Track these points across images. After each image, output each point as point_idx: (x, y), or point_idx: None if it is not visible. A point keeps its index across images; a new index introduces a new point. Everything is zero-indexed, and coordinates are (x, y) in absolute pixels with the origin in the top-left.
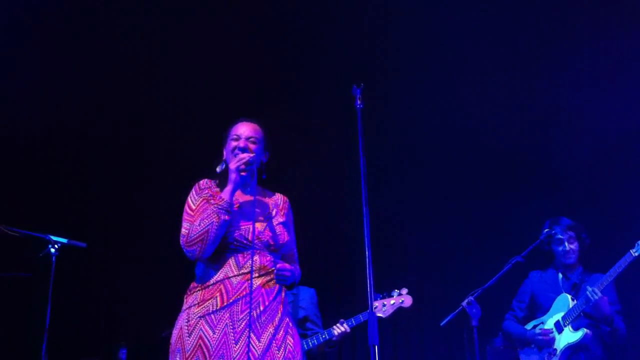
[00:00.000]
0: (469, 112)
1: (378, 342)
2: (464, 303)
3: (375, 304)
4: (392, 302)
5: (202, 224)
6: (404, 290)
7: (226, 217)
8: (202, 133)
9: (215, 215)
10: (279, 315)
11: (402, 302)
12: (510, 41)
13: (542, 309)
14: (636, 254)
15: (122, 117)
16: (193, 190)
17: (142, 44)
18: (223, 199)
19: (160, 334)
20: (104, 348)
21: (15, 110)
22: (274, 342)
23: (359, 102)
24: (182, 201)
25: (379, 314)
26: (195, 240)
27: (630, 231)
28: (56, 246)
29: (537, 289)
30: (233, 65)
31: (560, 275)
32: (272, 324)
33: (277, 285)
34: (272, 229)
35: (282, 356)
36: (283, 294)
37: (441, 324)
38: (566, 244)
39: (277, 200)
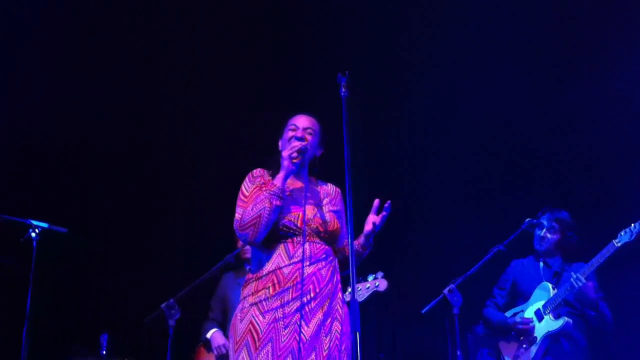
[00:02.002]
0: (458, 101)
1: (360, 330)
2: (446, 291)
3: (349, 288)
4: (367, 286)
5: (255, 209)
6: (380, 274)
7: (278, 202)
8: (190, 121)
9: (268, 200)
10: (329, 301)
11: (377, 285)
12: (507, 29)
13: (523, 297)
14: (618, 245)
15: (107, 101)
16: (247, 178)
17: (133, 36)
18: (275, 185)
19: (143, 321)
20: (85, 334)
21: None
22: (322, 328)
23: (343, 90)
24: (167, 188)
25: None
26: (248, 225)
27: (613, 221)
28: (37, 230)
29: (518, 277)
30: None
31: (542, 264)
32: (322, 310)
33: (329, 273)
34: (322, 216)
35: (328, 342)
36: (335, 280)
37: (422, 311)
38: (545, 230)
39: (329, 190)
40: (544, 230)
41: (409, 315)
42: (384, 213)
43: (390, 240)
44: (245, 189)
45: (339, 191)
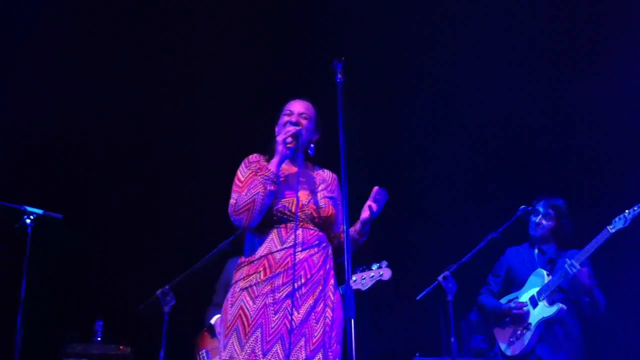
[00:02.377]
0: (455, 92)
1: (354, 316)
2: (440, 278)
3: (355, 277)
4: (371, 274)
5: (249, 194)
6: (384, 263)
7: (272, 187)
8: (183, 108)
9: (262, 185)
10: (320, 287)
11: (382, 275)
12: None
13: (517, 284)
14: (613, 231)
15: (101, 90)
16: (242, 163)
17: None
18: (269, 170)
19: (137, 308)
20: (80, 320)
21: None
22: (312, 314)
23: (339, 76)
24: (163, 175)
25: (357, 287)
26: (242, 210)
27: (609, 208)
28: (32, 217)
29: (513, 264)
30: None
31: (536, 251)
32: (313, 296)
33: (321, 259)
34: (317, 202)
35: (320, 329)
36: (328, 266)
37: (417, 298)
38: (540, 216)
39: (326, 176)
40: (540, 216)
41: (404, 302)
42: (379, 198)
43: (385, 228)
44: (241, 174)
45: (336, 177)
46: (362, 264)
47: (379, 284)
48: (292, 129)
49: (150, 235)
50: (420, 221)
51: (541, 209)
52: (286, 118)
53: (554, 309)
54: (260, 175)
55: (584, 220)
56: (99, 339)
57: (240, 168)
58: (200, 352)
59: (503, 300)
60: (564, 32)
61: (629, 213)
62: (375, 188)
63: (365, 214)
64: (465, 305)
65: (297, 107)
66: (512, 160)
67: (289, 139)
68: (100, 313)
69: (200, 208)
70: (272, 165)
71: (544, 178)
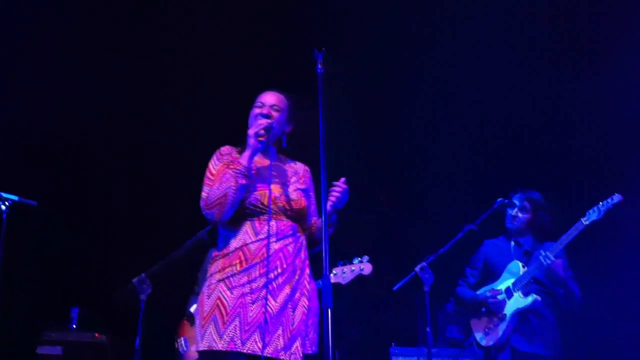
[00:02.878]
0: (434, 74)
1: (331, 306)
2: (417, 268)
3: (335, 270)
4: (352, 269)
5: (221, 188)
6: (365, 258)
7: (244, 181)
8: (164, 98)
9: (233, 179)
10: (297, 277)
11: (362, 269)
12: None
13: (494, 276)
14: (587, 223)
15: (81, 78)
16: (214, 156)
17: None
18: (241, 164)
19: (113, 296)
20: (56, 308)
21: None
22: (289, 303)
23: (319, 66)
24: (141, 163)
25: (337, 281)
26: (214, 204)
27: (585, 201)
28: (7, 203)
29: (489, 256)
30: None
31: (513, 243)
32: (289, 285)
33: (296, 249)
34: (289, 194)
35: (298, 317)
36: (302, 257)
37: (394, 289)
38: (516, 209)
39: (298, 169)
40: (516, 209)
41: (381, 292)
42: (341, 189)
43: (363, 218)
44: (213, 166)
45: (308, 169)
46: (343, 258)
47: (359, 277)
48: (263, 122)
49: (127, 223)
50: (398, 212)
51: (517, 202)
52: (257, 110)
53: (528, 300)
54: (232, 169)
55: (566, 213)
56: (75, 326)
57: (212, 160)
58: (179, 340)
59: (480, 292)
60: (560, 30)
61: (603, 205)
62: (342, 179)
63: (329, 205)
64: (441, 296)
65: (269, 98)
66: (491, 153)
67: (261, 132)
68: (76, 301)
69: (177, 197)
70: (244, 159)
71: (524, 170)
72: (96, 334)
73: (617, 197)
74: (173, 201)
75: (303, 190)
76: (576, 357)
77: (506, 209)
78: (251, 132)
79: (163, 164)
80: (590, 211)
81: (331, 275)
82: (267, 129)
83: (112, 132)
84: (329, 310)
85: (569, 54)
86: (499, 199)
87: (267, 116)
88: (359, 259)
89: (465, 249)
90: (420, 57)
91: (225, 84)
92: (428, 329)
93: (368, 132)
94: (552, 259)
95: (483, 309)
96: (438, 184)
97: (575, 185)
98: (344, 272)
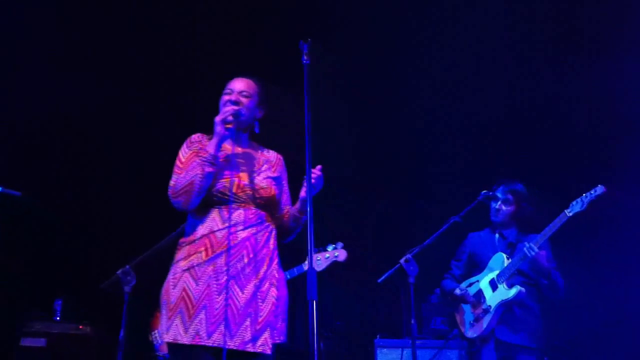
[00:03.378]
0: (420, 66)
1: (317, 297)
2: (402, 260)
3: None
4: (326, 255)
5: (187, 176)
6: (339, 245)
7: (210, 169)
8: (145, 85)
9: (200, 167)
10: (265, 267)
11: (337, 256)
12: None
13: (479, 268)
14: (570, 214)
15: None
16: (185, 144)
17: None
18: (207, 151)
19: (97, 287)
20: (40, 299)
21: None
22: (258, 293)
23: (305, 57)
24: (126, 153)
25: None
26: (181, 192)
27: (570, 192)
28: None
29: (474, 248)
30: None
31: (497, 236)
32: (257, 275)
33: (264, 237)
34: (258, 182)
35: (266, 308)
36: (271, 246)
37: (379, 281)
38: (500, 202)
39: (270, 157)
40: (499, 202)
41: (366, 284)
42: (316, 176)
43: (347, 210)
44: (182, 154)
45: (281, 158)
46: (318, 245)
47: (336, 265)
48: (229, 108)
49: (112, 214)
50: (382, 204)
51: (500, 195)
52: (226, 97)
53: (512, 292)
54: (198, 157)
55: (551, 203)
56: (59, 318)
57: (182, 148)
58: (153, 333)
59: (464, 284)
60: (548, 22)
61: (586, 197)
62: (318, 167)
63: (303, 192)
64: (426, 288)
65: (238, 85)
66: (476, 144)
67: (229, 118)
68: (60, 292)
69: (162, 188)
70: (210, 146)
71: (509, 162)
72: (80, 326)
73: (600, 189)
74: (158, 193)
75: (274, 179)
76: (558, 347)
77: (490, 201)
78: (218, 119)
79: (146, 155)
80: (574, 203)
81: (305, 263)
82: (235, 115)
83: (96, 124)
84: (315, 302)
85: (556, 46)
86: (483, 192)
87: (235, 103)
88: (334, 245)
89: (450, 240)
90: (406, 48)
91: (213, 78)
92: (413, 321)
93: (354, 123)
94: (536, 250)
95: (465, 302)
96: (424, 176)
97: (560, 176)
98: (319, 259)
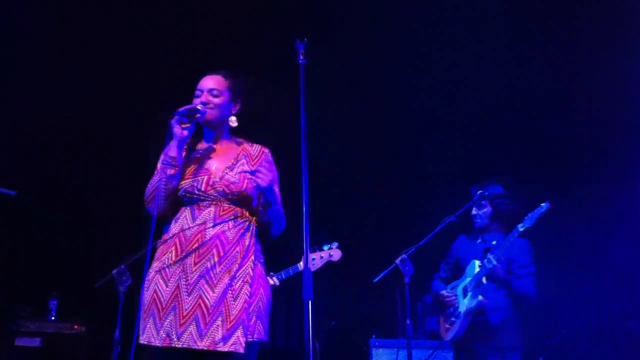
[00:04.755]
0: (410, 66)
1: (312, 297)
2: (398, 260)
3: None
4: (321, 255)
5: (152, 181)
6: (334, 244)
7: (172, 171)
8: (140, 87)
9: (162, 170)
10: (236, 264)
11: (332, 255)
12: None
13: (462, 272)
14: (522, 229)
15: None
16: (163, 150)
17: None
18: (166, 154)
19: (92, 287)
20: (34, 298)
21: None
22: (229, 292)
23: (301, 57)
24: (121, 153)
25: None
26: (149, 198)
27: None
28: None
29: (459, 252)
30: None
31: (479, 240)
32: (228, 273)
33: (237, 234)
34: (229, 178)
35: (238, 306)
36: (247, 242)
37: (374, 281)
38: (474, 209)
39: (252, 151)
40: (474, 209)
41: (361, 284)
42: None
43: (344, 209)
44: (160, 161)
45: (265, 152)
46: (313, 245)
47: (332, 264)
48: (182, 109)
49: (107, 213)
50: (378, 204)
51: (475, 199)
52: (196, 100)
53: (474, 302)
54: (160, 161)
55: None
56: (53, 318)
57: (161, 156)
58: None
59: (449, 287)
60: (542, 17)
61: (534, 213)
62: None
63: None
64: (420, 288)
65: (207, 83)
66: (471, 144)
67: (184, 119)
68: (55, 291)
69: None
70: (170, 149)
71: (505, 162)
72: (75, 326)
73: (545, 206)
74: None
75: (251, 172)
76: (550, 346)
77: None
78: (172, 121)
79: (142, 155)
80: (526, 218)
81: (300, 263)
82: (190, 116)
83: (92, 122)
84: (310, 302)
85: (555, 43)
86: (479, 192)
87: (205, 104)
88: (329, 245)
89: (446, 241)
90: (406, 48)
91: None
92: (408, 321)
93: (348, 124)
94: (494, 263)
95: (444, 305)
96: (419, 175)
97: (559, 176)
98: (314, 259)
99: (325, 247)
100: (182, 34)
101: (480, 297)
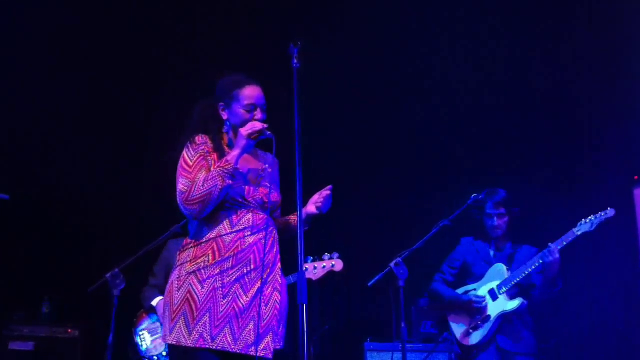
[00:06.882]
0: (409, 64)
1: (307, 301)
2: (392, 264)
3: (306, 266)
4: (323, 265)
5: (206, 185)
6: (335, 255)
7: (230, 181)
8: (136, 88)
9: (220, 178)
10: (268, 271)
11: (333, 265)
12: None
13: (474, 277)
14: (578, 233)
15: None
16: (189, 147)
17: None
18: (230, 164)
19: (86, 291)
20: (27, 302)
21: None
22: (261, 297)
23: (295, 61)
24: (115, 155)
25: (308, 276)
26: (197, 200)
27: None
28: None
29: (469, 257)
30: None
31: (493, 247)
32: (261, 280)
33: (270, 243)
34: (265, 187)
35: (269, 312)
36: (275, 250)
37: (369, 284)
38: (495, 219)
39: (270, 161)
40: (494, 218)
41: (355, 287)
42: (327, 195)
43: (338, 212)
44: (189, 157)
45: (277, 162)
46: (314, 254)
47: (330, 273)
48: (259, 126)
49: (101, 217)
50: (372, 207)
51: (492, 211)
52: (252, 114)
53: (515, 303)
54: (219, 167)
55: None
56: (46, 321)
57: (187, 152)
58: (140, 333)
59: (460, 291)
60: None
61: (596, 218)
62: (329, 187)
63: (312, 209)
64: (415, 291)
65: (259, 99)
66: (470, 148)
67: (255, 135)
68: (48, 295)
69: (151, 191)
70: (233, 158)
71: (497, 166)
72: (69, 330)
73: (611, 212)
74: (147, 196)
75: (276, 183)
76: (546, 349)
77: (481, 204)
78: (244, 133)
79: (138, 158)
80: (582, 222)
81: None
82: (263, 132)
83: (86, 125)
84: (305, 306)
85: (554, 44)
86: (473, 195)
87: (264, 120)
88: (329, 255)
89: (440, 244)
90: (405, 49)
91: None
92: (403, 324)
93: (343, 126)
94: (557, 256)
95: (464, 310)
96: (414, 179)
97: (558, 176)
98: (315, 268)
99: (326, 257)
100: (182, 34)
101: (521, 299)
